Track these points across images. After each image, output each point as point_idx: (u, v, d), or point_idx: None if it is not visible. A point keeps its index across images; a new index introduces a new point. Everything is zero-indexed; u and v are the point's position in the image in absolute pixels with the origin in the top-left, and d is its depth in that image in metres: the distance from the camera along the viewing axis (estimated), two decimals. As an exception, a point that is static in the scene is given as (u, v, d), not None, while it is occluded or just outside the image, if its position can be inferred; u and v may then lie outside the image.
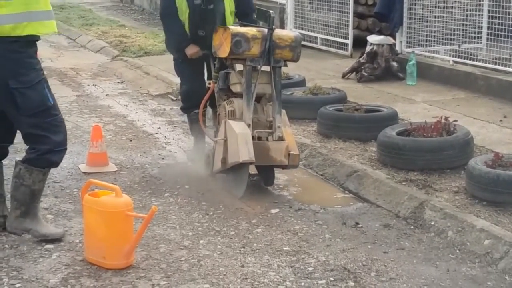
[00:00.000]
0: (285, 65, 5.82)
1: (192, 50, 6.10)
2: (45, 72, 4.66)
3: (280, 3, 12.96)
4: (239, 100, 5.65)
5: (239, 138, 5.37)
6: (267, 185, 5.82)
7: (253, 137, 5.48)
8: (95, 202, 4.34)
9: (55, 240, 4.67)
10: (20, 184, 4.56)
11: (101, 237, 4.29)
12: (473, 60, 8.97)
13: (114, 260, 4.28)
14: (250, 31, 5.63)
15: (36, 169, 4.54)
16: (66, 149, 4.66)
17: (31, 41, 4.44)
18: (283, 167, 5.70)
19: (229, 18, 6.11)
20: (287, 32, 6.10)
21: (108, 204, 4.30)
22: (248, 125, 5.52)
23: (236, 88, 5.71)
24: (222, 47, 5.65)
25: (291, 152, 5.53)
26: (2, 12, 4.24)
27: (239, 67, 5.83)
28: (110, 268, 4.27)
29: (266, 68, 5.74)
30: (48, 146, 4.50)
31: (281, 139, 5.58)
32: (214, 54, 5.86)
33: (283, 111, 5.72)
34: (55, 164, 4.65)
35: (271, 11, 5.79)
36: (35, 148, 4.52)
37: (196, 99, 6.10)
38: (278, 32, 5.74)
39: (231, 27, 5.66)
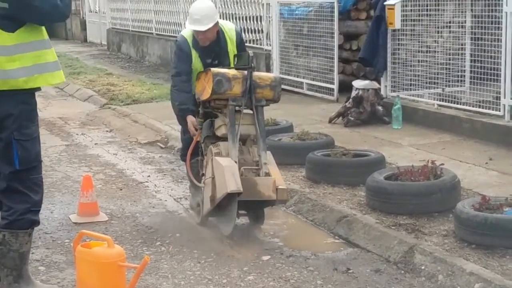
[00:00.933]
0: (267, 105, 5.92)
1: (190, 123, 6.12)
2: None
3: (266, 49, 13.12)
4: (225, 143, 5.74)
5: (225, 170, 5.43)
6: (257, 224, 5.89)
7: (240, 174, 5.53)
8: (88, 253, 4.36)
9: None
10: (7, 250, 4.45)
11: None
12: (457, 103, 9.10)
13: None
14: (231, 71, 5.81)
15: (21, 232, 4.45)
16: (40, 209, 4.58)
17: (34, 93, 4.48)
18: (272, 202, 5.75)
19: None
20: (267, 73, 6.27)
21: (101, 255, 4.32)
22: (235, 162, 5.58)
23: (221, 131, 5.80)
24: (205, 90, 5.76)
25: (279, 187, 5.58)
26: (15, 66, 4.28)
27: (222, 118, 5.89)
28: None
29: (249, 111, 5.85)
30: (27, 205, 4.43)
31: (268, 175, 5.64)
32: (198, 100, 5.96)
33: (269, 152, 5.80)
34: (38, 223, 4.58)
35: (250, 52, 5.93)
36: (13, 208, 4.41)
37: (197, 147, 6.16)
38: (257, 73, 5.95)
39: (212, 68, 5.77)
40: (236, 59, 6.12)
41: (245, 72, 5.76)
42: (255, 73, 5.85)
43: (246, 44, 13.19)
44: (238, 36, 6.26)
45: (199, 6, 6.07)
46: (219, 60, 6.19)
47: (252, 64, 5.78)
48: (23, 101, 4.37)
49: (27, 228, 4.48)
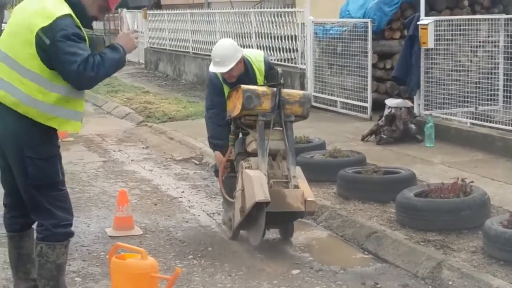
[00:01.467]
0: (296, 121, 6.03)
1: (218, 158, 6.31)
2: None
3: (300, 68, 13.28)
4: (255, 158, 5.87)
5: (254, 180, 5.56)
6: (287, 237, 6.01)
7: (269, 187, 5.65)
8: (122, 264, 4.50)
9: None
10: (45, 262, 4.56)
11: None
12: (490, 122, 9.12)
13: None
14: (260, 88, 5.95)
15: (58, 244, 4.58)
16: (72, 222, 4.66)
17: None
18: (300, 214, 5.85)
19: None
20: (296, 90, 6.40)
21: (134, 266, 4.46)
22: (264, 175, 5.70)
23: (252, 146, 5.93)
24: (235, 106, 5.90)
25: (308, 199, 5.69)
26: (39, 98, 4.33)
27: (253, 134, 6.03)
28: None
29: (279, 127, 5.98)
30: (55, 221, 4.51)
31: (296, 187, 5.75)
32: (229, 117, 6.11)
33: (298, 166, 5.92)
34: (72, 235, 4.68)
35: (278, 69, 6.06)
36: (43, 225, 4.52)
37: (232, 164, 6.31)
38: (287, 90, 6.08)
39: (242, 85, 5.92)
40: (266, 77, 6.26)
41: (274, 88, 5.89)
42: (284, 90, 5.98)
43: (281, 63, 13.47)
44: (267, 66, 6.34)
45: (219, 48, 6.19)
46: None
47: (281, 81, 5.91)
48: (34, 123, 4.39)
49: (63, 241, 4.61)
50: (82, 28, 4.40)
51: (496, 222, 5.42)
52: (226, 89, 6.25)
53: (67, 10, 4.35)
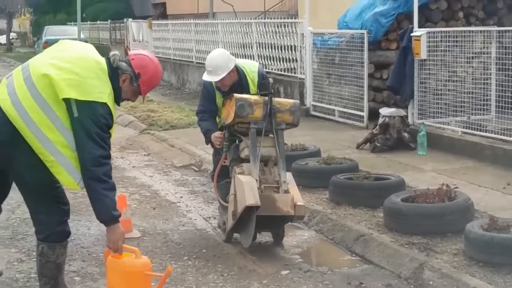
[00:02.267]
0: (287, 128, 6.28)
1: (214, 137, 6.50)
2: None
3: (299, 78, 13.56)
4: (247, 163, 6.13)
5: (244, 185, 5.83)
6: (278, 240, 6.27)
7: (260, 192, 5.91)
8: (117, 263, 4.77)
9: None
10: (45, 261, 4.78)
11: None
12: (481, 131, 9.36)
13: None
14: (253, 97, 6.23)
15: (58, 244, 4.79)
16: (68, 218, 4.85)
17: None
18: (290, 218, 6.11)
19: None
20: (287, 99, 6.70)
21: (128, 264, 4.73)
22: (256, 180, 5.96)
23: (245, 153, 6.19)
24: (229, 114, 6.18)
25: (297, 203, 5.94)
26: (48, 135, 4.44)
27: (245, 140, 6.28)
28: None
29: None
30: (58, 217, 4.72)
31: (286, 192, 6.01)
32: (223, 125, 6.39)
33: (289, 172, 6.19)
34: (70, 234, 4.90)
35: (270, 79, 6.34)
36: (47, 223, 4.70)
37: (227, 169, 6.54)
38: (278, 99, 6.36)
39: (235, 94, 6.19)
40: (258, 87, 6.54)
41: (266, 97, 6.17)
42: (276, 99, 6.26)
43: (281, 72, 13.74)
44: (260, 77, 6.59)
45: (211, 58, 6.48)
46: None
47: (272, 90, 6.19)
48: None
49: (62, 241, 4.84)
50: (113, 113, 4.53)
51: (476, 225, 5.67)
52: (218, 96, 6.53)
53: (107, 93, 4.47)
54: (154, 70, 4.78)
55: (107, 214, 4.56)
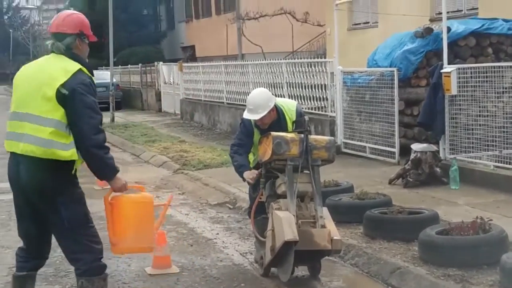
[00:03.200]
0: (323, 164, 6.40)
1: (247, 174, 6.66)
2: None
3: (330, 116, 13.72)
4: (284, 199, 6.26)
5: (283, 221, 5.95)
6: (315, 274, 6.36)
7: (298, 227, 6.02)
8: (124, 197, 5.22)
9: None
10: None
11: (130, 224, 5.14)
12: (514, 165, 9.43)
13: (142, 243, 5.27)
14: (289, 134, 6.38)
15: (96, 278, 4.97)
16: (103, 256, 5.09)
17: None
18: (327, 252, 6.21)
19: None
20: (322, 136, 6.85)
21: (136, 197, 5.31)
22: (293, 216, 6.08)
23: (281, 189, 6.33)
24: (266, 152, 6.34)
25: (334, 238, 6.04)
26: (68, 141, 4.80)
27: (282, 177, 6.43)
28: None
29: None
30: (93, 255, 4.95)
31: (323, 227, 6.12)
32: (260, 162, 6.54)
33: (325, 207, 6.30)
34: (106, 267, 5.08)
35: (306, 117, 6.50)
36: (83, 259, 4.93)
37: (264, 205, 6.69)
38: (313, 136, 6.50)
39: (272, 132, 6.35)
40: (294, 124, 6.70)
41: (302, 135, 6.33)
42: (311, 136, 6.41)
43: (312, 111, 13.90)
44: (298, 116, 6.75)
45: (252, 97, 6.68)
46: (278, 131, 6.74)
47: (308, 128, 6.34)
48: (60, 167, 4.83)
49: (100, 274, 5.02)
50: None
51: (512, 256, 5.73)
52: (256, 134, 6.70)
53: (77, 65, 4.90)
54: (86, 20, 5.11)
55: (112, 172, 5.02)
